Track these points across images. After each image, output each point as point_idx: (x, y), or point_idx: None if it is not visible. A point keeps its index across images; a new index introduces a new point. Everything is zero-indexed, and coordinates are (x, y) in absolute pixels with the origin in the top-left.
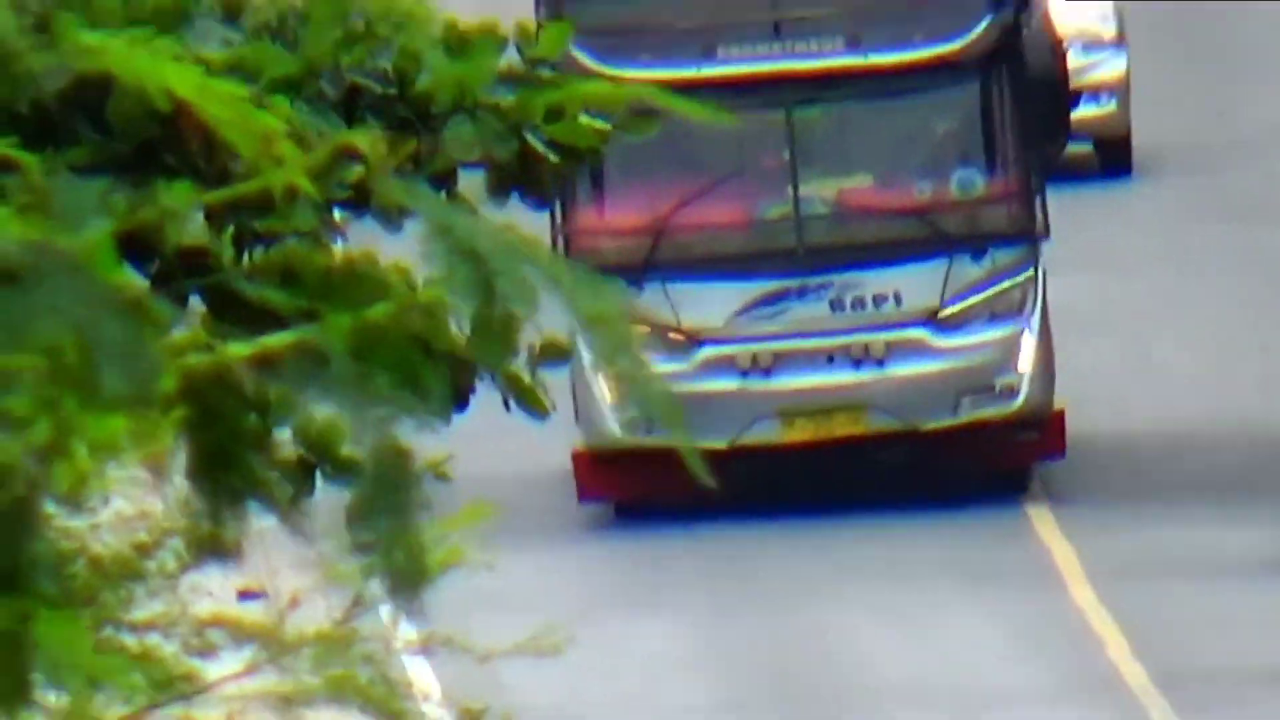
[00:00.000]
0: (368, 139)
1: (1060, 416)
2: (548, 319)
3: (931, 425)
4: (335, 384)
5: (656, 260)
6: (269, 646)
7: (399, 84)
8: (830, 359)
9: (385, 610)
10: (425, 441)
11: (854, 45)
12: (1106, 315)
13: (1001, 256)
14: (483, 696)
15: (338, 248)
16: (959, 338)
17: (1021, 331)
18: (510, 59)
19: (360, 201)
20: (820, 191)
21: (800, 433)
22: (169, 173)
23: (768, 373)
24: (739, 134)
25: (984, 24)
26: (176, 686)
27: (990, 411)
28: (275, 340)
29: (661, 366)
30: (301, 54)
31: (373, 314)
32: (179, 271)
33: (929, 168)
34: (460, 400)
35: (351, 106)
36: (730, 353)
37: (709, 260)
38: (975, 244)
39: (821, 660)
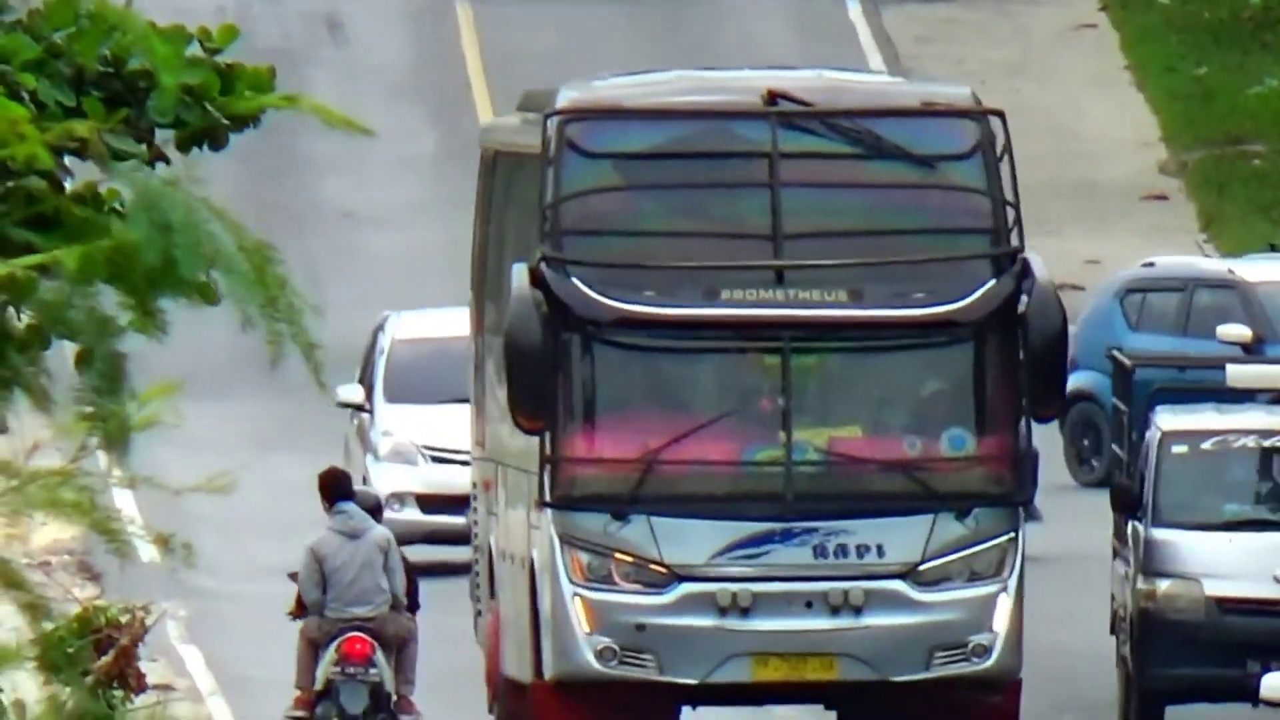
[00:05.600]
0: (87, 126)
1: (1019, 684)
2: None
3: (902, 678)
4: (66, 289)
5: (643, 493)
6: (13, 477)
7: (115, 66)
8: (809, 604)
9: (101, 456)
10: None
11: (856, 299)
12: None
13: (985, 517)
14: (172, 523)
15: (68, 183)
16: (937, 594)
17: (999, 592)
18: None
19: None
20: (812, 439)
21: (772, 673)
22: None
23: (745, 613)
24: (735, 375)
25: (985, 288)
26: None
27: (962, 669)
28: (28, 260)
29: (640, 599)
30: (44, 44)
31: (93, 248)
32: None
33: (920, 424)
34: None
35: (80, 81)
36: (710, 590)
37: (695, 498)
38: (960, 503)
39: None
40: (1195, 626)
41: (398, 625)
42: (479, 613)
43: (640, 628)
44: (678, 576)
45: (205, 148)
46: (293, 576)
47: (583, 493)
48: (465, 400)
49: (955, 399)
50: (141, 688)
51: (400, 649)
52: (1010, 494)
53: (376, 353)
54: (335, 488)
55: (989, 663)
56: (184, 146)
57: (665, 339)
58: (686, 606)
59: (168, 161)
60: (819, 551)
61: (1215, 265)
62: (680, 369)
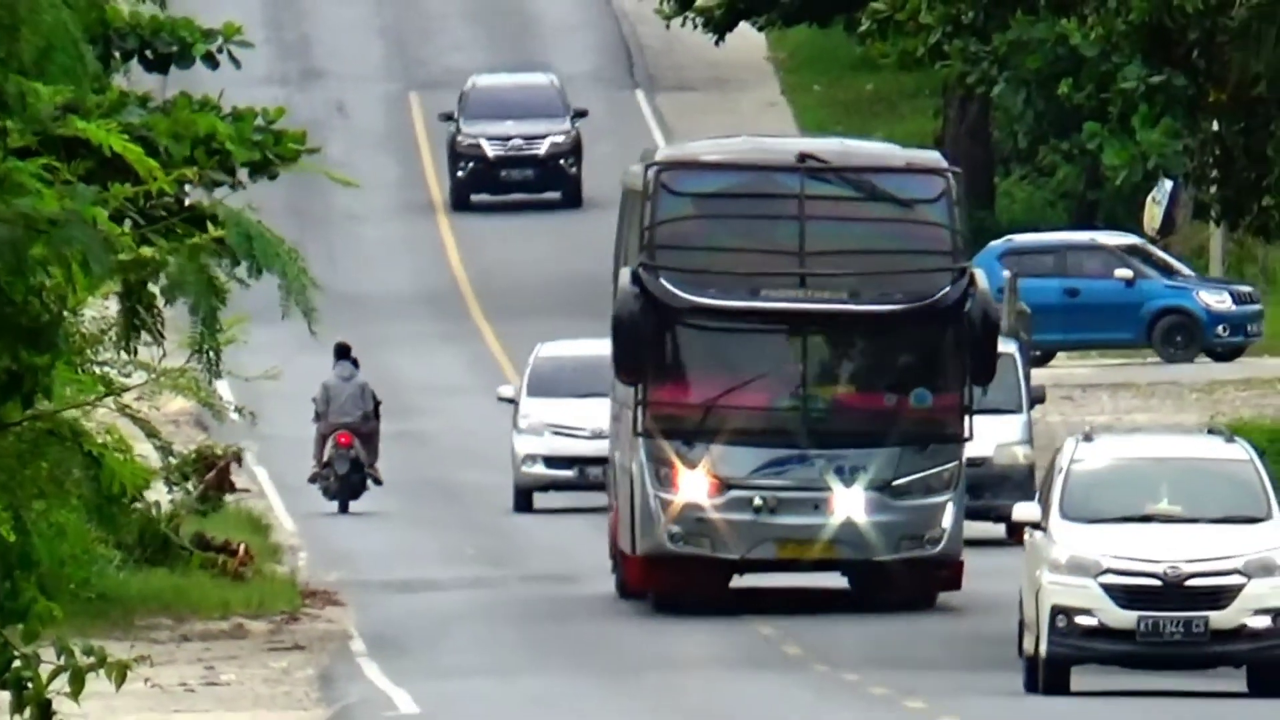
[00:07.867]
0: (194, 171)
1: (961, 563)
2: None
3: (879, 558)
4: (182, 265)
5: (704, 428)
6: (149, 372)
7: (218, 135)
8: (816, 506)
9: (202, 361)
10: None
11: (854, 297)
12: None
13: (938, 450)
14: (246, 398)
15: (186, 198)
16: (905, 501)
17: (946, 501)
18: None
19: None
20: (820, 393)
21: (790, 553)
22: (114, 176)
23: (773, 511)
24: (769, 349)
25: (943, 292)
26: (114, 389)
27: (920, 553)
28: (155, 250)
29: (700, 500)
30: (174, 121)
31: (197, 241)
32: (120, 217)
33: (895, 385)
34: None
35: (195, 144)
36: (748, 495)
37: (740, 432)
38: (921, 440)
39: None
40: None
41: (368, 427)
42: (609, 506)
43: (700, 520)
44: (727, 485)
45: (266, 177)
46: (313, 400)
47: (663, 427)
48: (581, 395)
49: (920, 368)
50: (233, 490)
51: (368, 440)
52: (956, 435)
53: (526, 365)
54: (341, 351)
55: (939, 549)
56: (253, 176)
57: (722, 323)
58: (732, 506)
59: (244, 187)
60: (823, 471)
61: (1081, 235)
62: (732, 343)
